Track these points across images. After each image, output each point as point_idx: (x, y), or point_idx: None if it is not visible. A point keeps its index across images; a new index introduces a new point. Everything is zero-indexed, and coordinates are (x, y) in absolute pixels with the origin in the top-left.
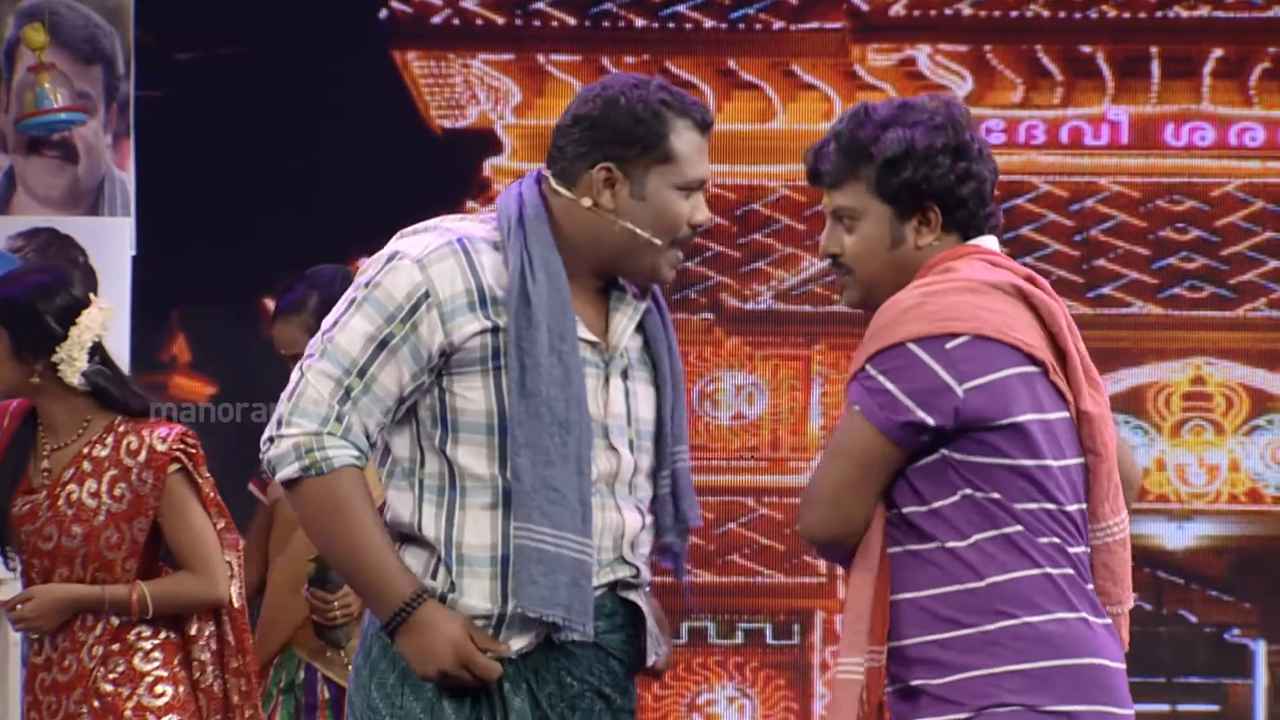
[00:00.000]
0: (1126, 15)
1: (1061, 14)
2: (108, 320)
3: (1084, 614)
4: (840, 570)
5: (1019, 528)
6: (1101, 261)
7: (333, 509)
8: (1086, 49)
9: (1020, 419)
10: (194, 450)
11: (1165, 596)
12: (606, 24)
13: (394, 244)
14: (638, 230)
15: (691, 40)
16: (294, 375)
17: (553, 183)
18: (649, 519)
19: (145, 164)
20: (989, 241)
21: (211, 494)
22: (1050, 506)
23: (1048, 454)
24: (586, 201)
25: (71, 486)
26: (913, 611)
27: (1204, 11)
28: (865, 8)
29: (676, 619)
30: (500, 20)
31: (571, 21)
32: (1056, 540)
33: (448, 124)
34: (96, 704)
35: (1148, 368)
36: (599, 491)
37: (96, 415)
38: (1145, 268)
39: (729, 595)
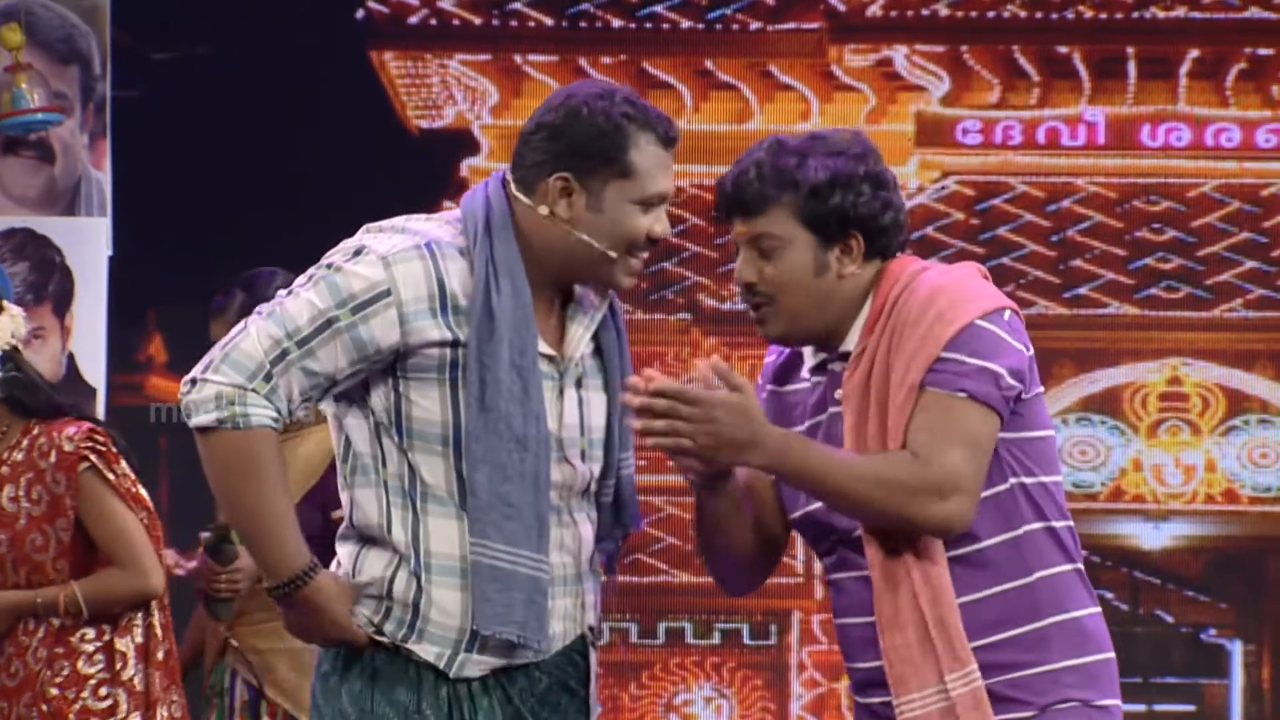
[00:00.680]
0: (1103, 16)
1: (1038, 14)
2: (18, 328)
3: (1099, 608)
4: (817, 570)
5: (1058, 520)
6: (1078, 262)
7: (242, 467)
8: (1063, 49)
9: (1040, 389)
10: (103, 448)
11: (1142, 597)
12: (584, 24)
13: (361, 238)
14: (593, 243)
15: (669, 41)
16: (236, 327)
17: (513, 188)
18: None
19: (122, 164)
20: None
21: (132, 488)
22: (1060, 479)
23: (1050, 425)
24: (544, 210)
25: None
26: (966, 615)
27: (1180, 12)
28: (842, 8)
29: (654, 619)
30: (477, 20)
31: (549, 22)
32: (1070, 524)
33: (425, 124)
34: (45, 707)
35: (1124, 368)
36: (556, 507)
37: (13, 421)
38: (1122, 268)
39: (706, 595)
